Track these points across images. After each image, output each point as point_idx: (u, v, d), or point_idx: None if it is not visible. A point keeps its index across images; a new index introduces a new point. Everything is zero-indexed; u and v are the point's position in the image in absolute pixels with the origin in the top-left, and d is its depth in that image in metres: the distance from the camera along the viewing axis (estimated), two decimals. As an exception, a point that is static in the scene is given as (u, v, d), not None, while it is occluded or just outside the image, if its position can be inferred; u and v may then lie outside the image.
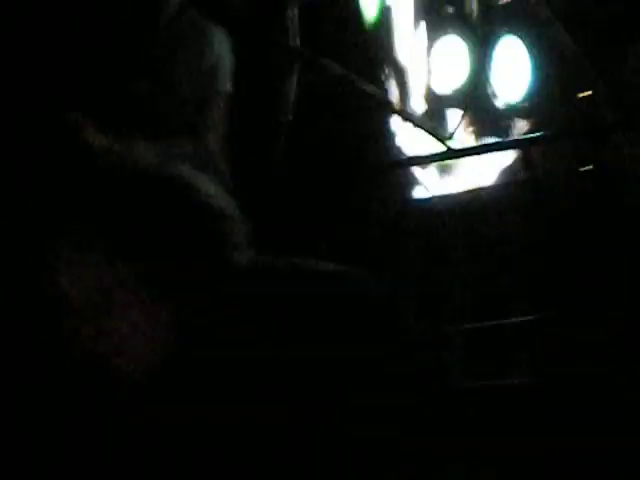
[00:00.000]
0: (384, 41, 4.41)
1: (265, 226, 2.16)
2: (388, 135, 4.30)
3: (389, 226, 4.16)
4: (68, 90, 2.72)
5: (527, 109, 4.17)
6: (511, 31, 4.17)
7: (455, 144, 4.12)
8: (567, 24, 3.99)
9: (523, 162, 4.12)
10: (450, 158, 4.18)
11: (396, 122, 4.29)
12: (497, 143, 4.15)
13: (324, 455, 1.63)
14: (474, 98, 4.27)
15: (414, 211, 4.27)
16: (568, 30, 3.99)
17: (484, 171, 4.23)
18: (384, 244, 4.06)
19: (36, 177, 1.70)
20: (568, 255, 3.77)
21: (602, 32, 3.94)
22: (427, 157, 4.21)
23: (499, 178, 4.23)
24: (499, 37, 4.20)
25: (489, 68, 4.23)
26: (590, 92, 4.02)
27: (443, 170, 4.31)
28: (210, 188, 1.65)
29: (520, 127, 4.19)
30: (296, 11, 3.99)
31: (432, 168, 4.30)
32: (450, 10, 4.41)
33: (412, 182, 4.30)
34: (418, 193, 4.33)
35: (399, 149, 4.31)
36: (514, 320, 3.78)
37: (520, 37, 4.17)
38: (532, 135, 4.08)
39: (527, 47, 4.14)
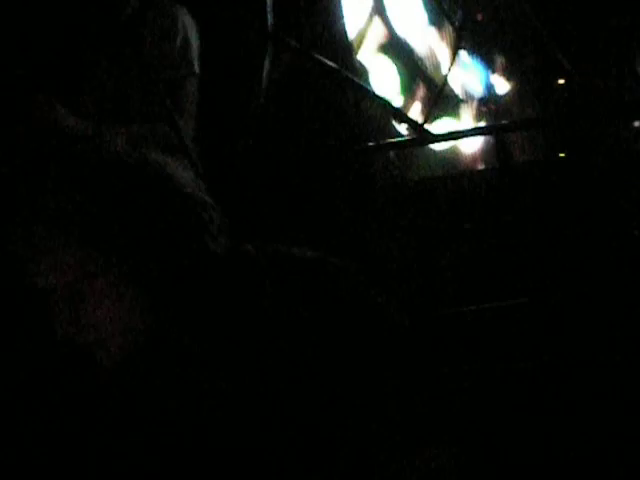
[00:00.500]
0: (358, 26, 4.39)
1: (236, 211, 2.14)
2: (362, 120, 4.28)
3: (361, 211, 4.14)
4: (37, 73, 2.68)
5: (502, 96, 4.18)
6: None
7: (429, 130, 4.12)
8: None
9: (497, 149, 4.12)
10: (423, 144, 4.18)
11: (370, 107, 4.27)
12: (471, 129, 4.15)
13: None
14: (448, 84, 4.27)
15: (386, 196, 4.26)
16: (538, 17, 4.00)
17: (458, 157, 4.24)
18: (356, 228, 4.05)
19: (5, 162, 1.66)
20: (542, 242, 3.78)
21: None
22: (401, 142, 4.20)
23: (472, 164, 4.23)
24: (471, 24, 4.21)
25: (461, 55, 4.23)
26: (563, 80, 4.04)
27: (416, 156, 4.30)
28: (182, 173, 1.62)
29: (494, 114, 4.20)
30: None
31: (405, 154, 4.30)
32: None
33: (385, 167, 4.29)
34: (390, 178, 4.31)
35: (373, 134, 4.29)
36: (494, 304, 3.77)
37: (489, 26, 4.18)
38: (505, 122, 4.09)
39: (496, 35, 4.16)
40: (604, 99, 3.95)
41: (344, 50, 4.26)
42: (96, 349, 1.60)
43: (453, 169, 4.28)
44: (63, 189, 1.56)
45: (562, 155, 3.95)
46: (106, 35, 2.82)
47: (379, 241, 4.05)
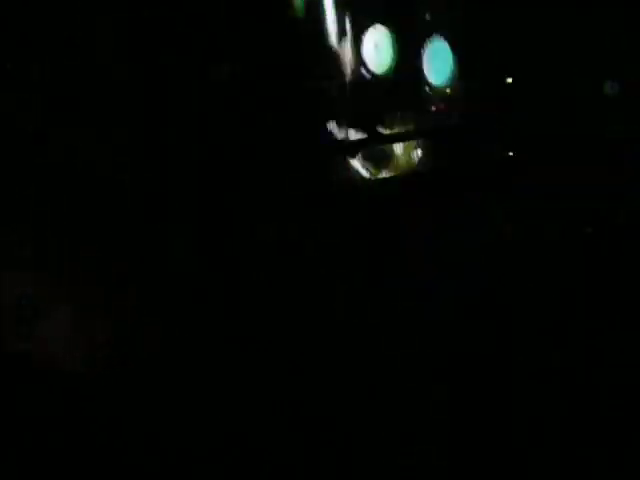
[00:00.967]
0: (311, 27, 4.37)
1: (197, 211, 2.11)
2: (315, 121, 4.27)
3: (314, 211, 4.15)
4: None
5: (457, 94, 4.19)
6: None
7: (383, 130, 4.12)
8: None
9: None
10: (378, 143, 4.18)
11: (324, 108, 4.27)
12: (426, 130, 4.16)
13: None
14: (403, 84, 4.27)
15: (340, 197, 4.26)
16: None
17: (411, 157, 4.24)
18: (309, 229, 4.06)
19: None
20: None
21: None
22: (355, 143, 4.20)
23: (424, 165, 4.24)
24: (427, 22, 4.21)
25: (417, 54, 4.23)
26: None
27: (371, 156, 4.30)
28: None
29: (449, 112, 4.21)
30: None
31: (359, 154, 4.30)
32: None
33: (339, 168, 4.29)
34: (344, 179, 4.31)
35: (327, 135, 4.29)
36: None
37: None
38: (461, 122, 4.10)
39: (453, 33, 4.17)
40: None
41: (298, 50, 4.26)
42: (52, 363, 1.58)
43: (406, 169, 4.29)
44: (18, 199, 1.53)
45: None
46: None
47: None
